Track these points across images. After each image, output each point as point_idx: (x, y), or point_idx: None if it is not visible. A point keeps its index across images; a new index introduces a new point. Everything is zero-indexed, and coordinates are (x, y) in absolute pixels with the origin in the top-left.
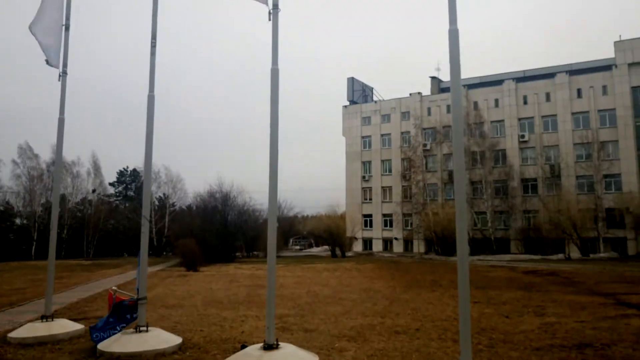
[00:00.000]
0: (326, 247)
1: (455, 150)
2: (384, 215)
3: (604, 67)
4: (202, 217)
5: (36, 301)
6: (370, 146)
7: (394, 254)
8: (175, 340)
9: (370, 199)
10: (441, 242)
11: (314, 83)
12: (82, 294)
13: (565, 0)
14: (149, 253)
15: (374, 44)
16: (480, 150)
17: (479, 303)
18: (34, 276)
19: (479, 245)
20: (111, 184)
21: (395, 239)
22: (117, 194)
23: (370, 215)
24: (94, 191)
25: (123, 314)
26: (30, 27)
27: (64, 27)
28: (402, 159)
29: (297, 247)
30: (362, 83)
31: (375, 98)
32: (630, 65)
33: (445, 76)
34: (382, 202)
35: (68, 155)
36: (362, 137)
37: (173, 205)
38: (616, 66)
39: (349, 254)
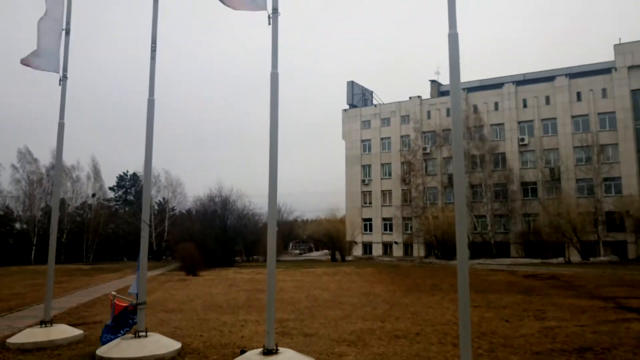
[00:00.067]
0: (326, 251)
1: (455, 154)
2: (384, 219)
3: (604, 70)
4: (202, 221)
5: (35, 306)
6: (370, 150)
7: (393, 258)
8: (174, 345)
9: (370, 203)
10: (441, 245)
11: (314, 87)
12: (82, 298)
13: (565, 4)
14: (149, 257)
15: (374, 48)
16: (480, 154)
17: (479, 307)
18: (33, 281)
19: (479, 249)
20: (111, 188)
21: (395, 242)
22: (117, 199)
23: (370, 219)
24: (93, 195)
25: (126, 319)
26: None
27: (64, 32)
28: (402, 163)
29: (297, 252)
30: (362, 87)
31: (375, 102)
32: (630, 68)
33: (444, 80)
34: (382, 205)
35: (68, 159)
36: (362, 141)
37: (173, 209)
38: (616, 69)
39: (348, 258)
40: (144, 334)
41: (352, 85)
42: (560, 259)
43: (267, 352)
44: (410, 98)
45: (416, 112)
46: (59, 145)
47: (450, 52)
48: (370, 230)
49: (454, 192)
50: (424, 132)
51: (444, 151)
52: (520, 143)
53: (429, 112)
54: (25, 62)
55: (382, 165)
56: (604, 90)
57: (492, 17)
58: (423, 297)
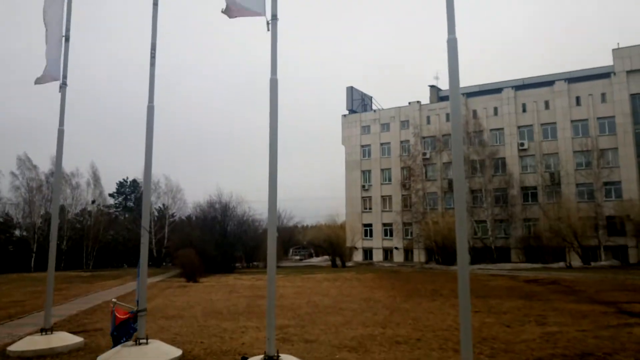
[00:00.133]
0: (326, 257)
1: (455, 159)
2: (384, 224)
3: (603, 74)
4: (202, 227)
5: (35, 314)
6: (369, 155)
7: (394, 264)
8: (175, 352)
9: (370, 208)
10: (441, 251)
11: (314, 92)
12: (82, 306)
13: (564, 9)
14: (149, 264)
15: (373, 53)
16: (479, 159)
17: (480, 312)
18: (33, 288)
19: (479, 254)
20: (111, 195)
21: (396, 248)
22: (117, 205)
23: (370, 225)
24: (93, 202)
25: (126, 327)
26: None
27: (64, 39)
28: (402, 168)
29: (297, 257)
30: (361, 92)
31: (374, 107)
32: (629, 72)
33: (444, 85)
34: (382, 211)
35: (67, 166)
36: (362, 146)
37: (172, 215)
38: (615, 74)
39: (349, 263)
40: (144, 341)
41: (351, 90)
42: (561, 264)
43: (268, 358)
44: (409, 103)
45: (416, 117)
46: (58, 152)
47: (450, 57)
48: (371, 235)
49: (454, 197)
50: (423, 138)
51: (443, 156)
52: (520, 148)
53: (428, 117)
54: (41, 81)
55: (382, 170)
56: (603, 94)
57: (491, 23)
58: (424, 303)
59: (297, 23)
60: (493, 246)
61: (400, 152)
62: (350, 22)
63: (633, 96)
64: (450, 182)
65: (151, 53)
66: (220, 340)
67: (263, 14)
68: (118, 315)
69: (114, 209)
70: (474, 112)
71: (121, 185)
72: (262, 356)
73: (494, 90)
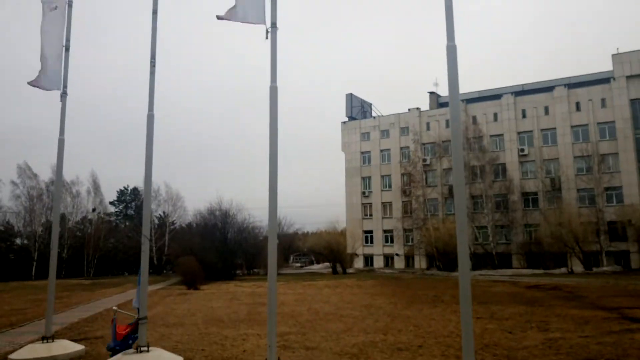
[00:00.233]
0: (327, 263)
1: (455, 165)
2: (385, 231)
3: (603, 80)
4: (202, 235)
5: (36, 322)
6: (369, 162)
7: (395, 270)
8: None
9: (371, 215)
10: (442, 257)
11: (313, 99)
12: (83, 313)
13: (563, 14)
14: (149, 271)
15: (372, 60)
16: (480, 165)
17: (482, 318)
18: (34, 296)
19: (480, 260)
20: (111, 203)
21: (397, 254)
22: (118, 213)
23: (370, 231)
24: (94, 210)
25: (126, 338)
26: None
27: (64, 48)
28: (402, 174)
29: (298, 264)
30: (361, 99)
31: (374, 114)
32: (629, 77)
33: (443, 91)
34: (383, 217)
35: (67, 174)
36: (362, 153)
37: (173, 223)
38: (614, 79)
39: (350, 270)
40: (145, 348)
41: (351, 97)
42: (563, 270)
43: None
44: (409, 110)
45: (415, 123)
46: (59, 161)
47: (449, 63)
48: (371, 242)
49: (455, 203)
50: (423, 144)
51: (444, 162)
52: (520, 153)
53: (428, 124)
54: (33, 83)
55: (382, 177)
56: (603, 100)
57: (489, 29)
58: (425, 309)
59: (296, 31)
60: (494, 252)
61: (401, 159)
62: (350, 29)
63: (633, 101)
64: (450, 188)
65: (151, 62)
66: (221, 347)
67: (263, 23)
68: (119, 332)
69: (115, 217)
70: (474, 118)
71: (122, 193)
72: None
73: (493, 96)
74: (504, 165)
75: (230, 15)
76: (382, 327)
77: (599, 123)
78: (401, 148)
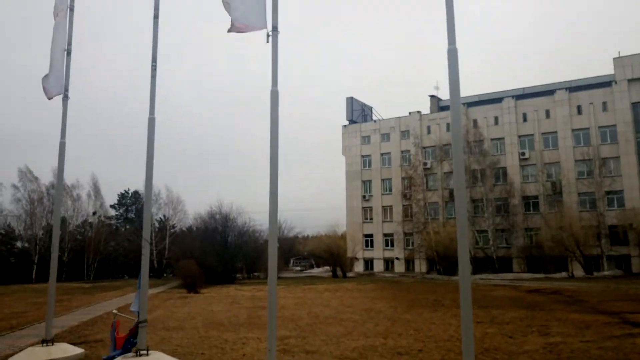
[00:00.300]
0: (327, 267)
1: (456, 169)
2: (385, 234)
3: (604, 83)
4: (203, 238)
5: (37, 325)
6: (370, 165)
7: (395, 274)
8: None
9: (371, 219)
10: (443, 261)
11: (314, 103)
12: (83, 317)
13: (563, 14)
14: (150, 275)
15: (373, 64)
16: (480, 168)
17: (482, 323)
18: (34, 299)
19: (481, 264)
20: (112, 206)
21: (397, 258)
22: (118, 216)
23: (371, 235)
24: (94, 213)
25: (126, 346)
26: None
27: (65, 52)
28: (403, 178)
29: (298, 268)
30: (361, 102)
31: (374, 117)
32: (630, 81)
33: (444, 95)
34: (383, 221)
35: (68, 178)
36: (362, 156)
37: (173, 226)
38: (616, 82)
39: (350, 274)
40: (145, 352)
41: (351, 101)
42: (564, 274)
43: None
44: (410, 113)
45: (416, 127)
46: (60, 165)
47: (450, 67)
48: (372, 246)
49: (455, 207)
50: (424, 147)
51: (444, 166)
52: (521, 157)
53: (429, 127)
54: (46, 91)
55: (383, 180)
56: (604, 103)
57: (491, 33)
58: (425, 313)
59: (296, 32)
60: (495, 256)
61: (401, 162)
62: (350, 33)
63: (634, 104)
64: (451, 192)
65: (152, 65)
66: (221, 351)
67: (265, 27)
68: (118, 338)
69: (115, 221)
70: (475, 121)
71: (122, 196)
72: None
73: (494, 99)
74: (504, 168)
75: (237, 27)
76: (382, 331)
77: (600, 126)
78: (402, 151)
